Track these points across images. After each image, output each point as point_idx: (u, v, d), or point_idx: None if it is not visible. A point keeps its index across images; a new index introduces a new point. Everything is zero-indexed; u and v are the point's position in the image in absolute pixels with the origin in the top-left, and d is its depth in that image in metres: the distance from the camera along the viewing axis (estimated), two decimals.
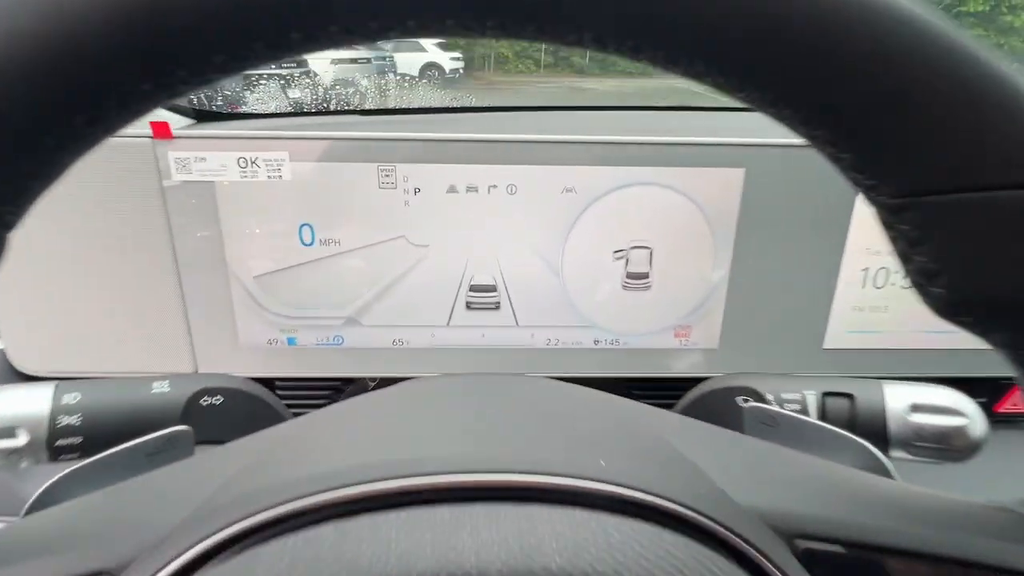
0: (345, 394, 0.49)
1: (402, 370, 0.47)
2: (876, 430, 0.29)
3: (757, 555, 0.15)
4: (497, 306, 0.45)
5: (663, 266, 0.45)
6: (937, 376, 0.48)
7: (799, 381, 0.33)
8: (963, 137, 0.15)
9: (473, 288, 0.45)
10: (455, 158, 0.42)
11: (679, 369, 0.47)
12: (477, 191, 0.43)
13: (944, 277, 0.18)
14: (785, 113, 0.17)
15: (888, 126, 0.16)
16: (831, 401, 0.31)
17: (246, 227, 0.42)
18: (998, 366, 0.18)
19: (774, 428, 0.27)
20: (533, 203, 0.43)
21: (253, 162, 0.41)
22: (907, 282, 0.19)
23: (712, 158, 0.42)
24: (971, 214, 0.16)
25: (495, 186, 0.42)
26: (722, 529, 0.15)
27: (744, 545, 0.15)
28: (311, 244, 0.43)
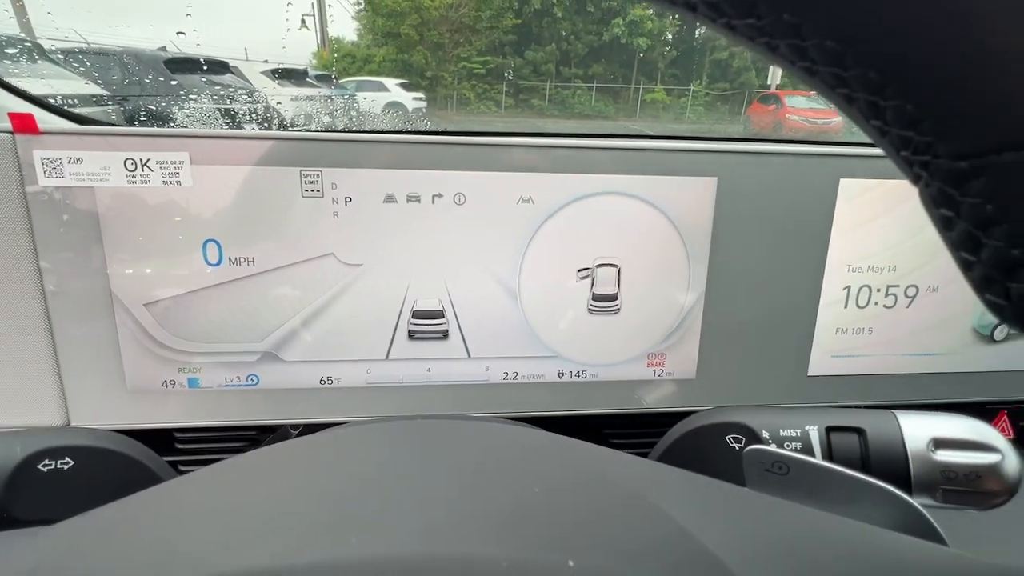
0: (262, 446, 0.41)
1: (332, 414, 0.39)
2: (895, 472, 0.24)
3: None
4: (445, 335, 0.39)
5: (632, 286, 0.40)
6: (924, 403, 0.45)
7: (797, 414, 0.28)
8: None
9: (416, 314, 0.38)
10: (392, 162, 0.36)
11: (655, 403, 0.42)
12: (419, 201, 0.37)
13: None
14: (812, 44, 0.12)
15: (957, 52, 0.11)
16: (838, 437, 0.26)
17: (135, 244, 0.35)
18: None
19: (784, 475, 0.21)
20: (484, 215, 0.37)
21: (144, 164, 0.34)
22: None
23: (682, 165, 0.38)
24: None
25: (440, 195, 0.37)
26: None
27: None
28: (218, 264, 0.36)
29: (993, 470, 0.24)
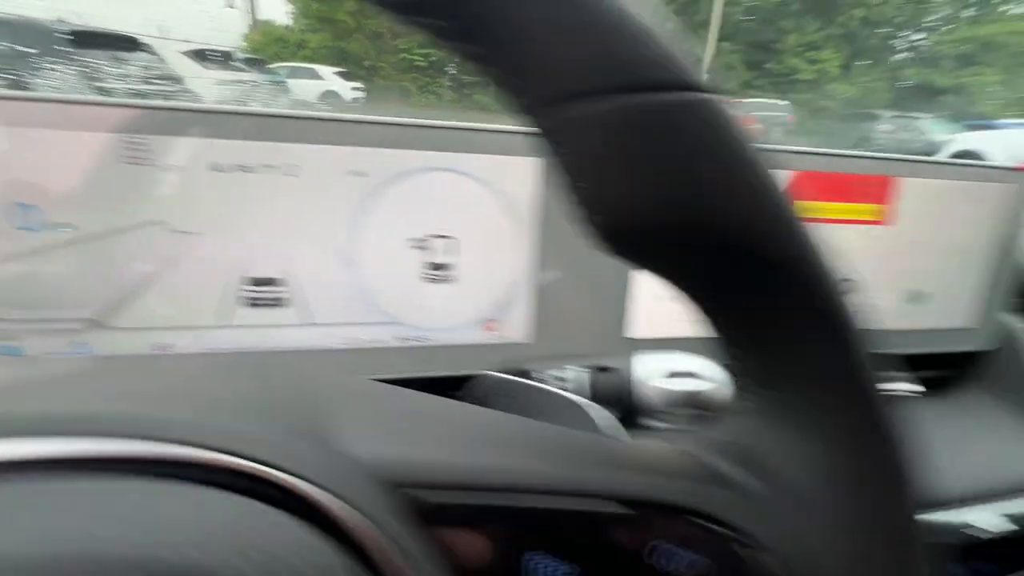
0: None
1: None
2: (626, 399, 0.28)
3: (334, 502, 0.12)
4: (282, 302, 0.41)
5: (467, 257, 0.43)
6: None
7: (576, 361, 0.33)
8: (591, 35, 0.15)
9: (251, 281, 0.40)
10: (221, 133, 0.37)
11: (492, 365, 0.45)
12: (252, 171, 0.38)
13: (603, 201, 0.17)
14: (447, 26, 0.16)
15: (521, 31, 0.15)
16: (596, 376, 0.30)
17: None
18: None
19: (513, 400, 0.25)
20: (318, 187, 0.39)
21: None
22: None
23: (511, 146, 0.42)
24: (619, 121, 0.15)
25: (271, 166, 0.38)
26: (270, 471, 0.12)
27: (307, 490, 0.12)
28: (35, 228, 0.36)
29: (707, 396, 0.29)
